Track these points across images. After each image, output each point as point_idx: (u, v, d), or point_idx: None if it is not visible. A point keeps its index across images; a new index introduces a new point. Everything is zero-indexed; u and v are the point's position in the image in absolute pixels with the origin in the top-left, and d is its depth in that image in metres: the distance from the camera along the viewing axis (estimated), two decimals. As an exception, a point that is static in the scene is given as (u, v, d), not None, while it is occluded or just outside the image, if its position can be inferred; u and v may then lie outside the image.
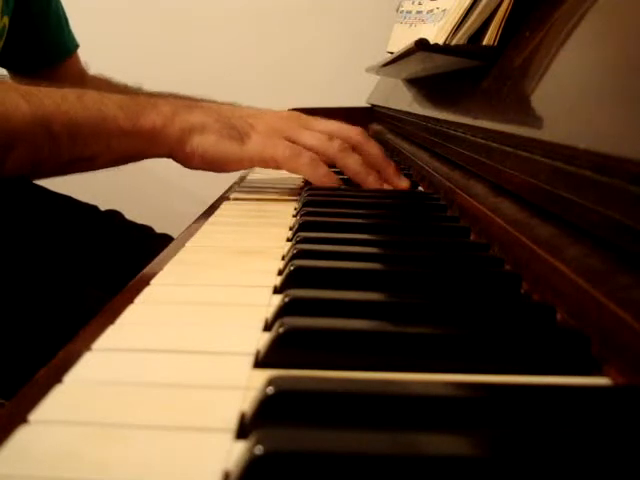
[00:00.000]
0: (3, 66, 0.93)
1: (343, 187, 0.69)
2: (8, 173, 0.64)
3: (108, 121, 0.64)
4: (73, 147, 0.64)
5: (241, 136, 0.68)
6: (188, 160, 0.69)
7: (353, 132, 0.73)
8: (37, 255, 0.79)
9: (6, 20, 0.89)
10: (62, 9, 1.02)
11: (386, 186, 0.71)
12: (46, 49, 1.00)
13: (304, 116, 0.75)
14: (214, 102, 0.81)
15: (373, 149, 0.72)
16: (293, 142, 0.68)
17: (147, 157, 0.69)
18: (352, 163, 0.69)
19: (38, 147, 0.62)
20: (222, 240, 0.52)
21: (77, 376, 0.27)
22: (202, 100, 0.78)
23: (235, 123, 0.69)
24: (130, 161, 0.70)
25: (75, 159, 0.66)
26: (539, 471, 0.20)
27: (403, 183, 0.72)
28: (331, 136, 0.70)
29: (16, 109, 0.60)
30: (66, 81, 0.97)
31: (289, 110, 0.82)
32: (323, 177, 0.68)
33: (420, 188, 0.73)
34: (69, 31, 1.03)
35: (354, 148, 0.71)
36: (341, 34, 1.70)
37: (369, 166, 0.70)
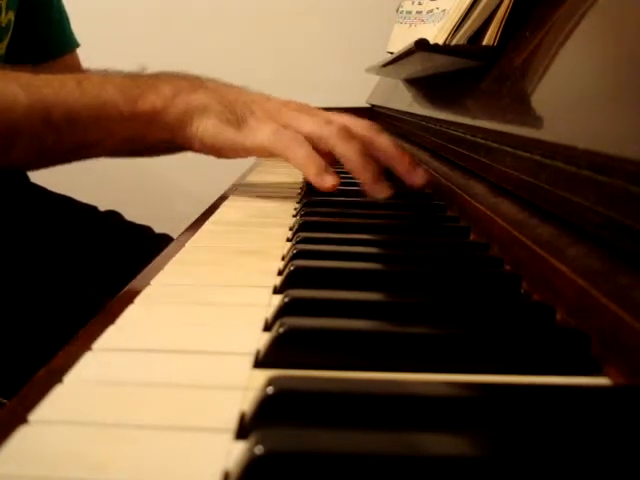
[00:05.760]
0: (8, 61, 0.93)
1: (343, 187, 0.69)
2: (14, 163, 0.65)
3: (107, 106, 0.63)
4: (74, 134, 0.64)
5: (238, 122, 0.64)
6: (188, 143, 0.66)
7: (360, 124, 0.65)
8: (36, 256, 0.79)
9: (11, 15, 0.88)
10: (63, 6, 1.02)
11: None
12: (48, 43, 0.99)
13: (312, 107, 0.69)
14: (225, 83, 0.72)
15: (384, 142, 0.64)
16: (289, 128, 0.63)
17: (151, 141, 0.67)
18: (350, 150, 0.61)
19: (40, 137, 0.62)
20: (222, 240, 0.52)
21: (77, 376, 0.27)
22: (212, 80, 0.70)
23: (236, 108, 0.65)
24: (135, 145, 0.69)
25: (78, 146, 0.65)
26: (539, 471, 0.20)
27: (417, 179, 0.62)
28: (330, 121, 0.63)
29: (15, 100, 0.61)
30: None
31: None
32: (317, 168, 0.60)
33: None
34: (70, 28, 1.03)
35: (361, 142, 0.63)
36: (341, 34, 1.70)
37: (379, 161, 0.62)
